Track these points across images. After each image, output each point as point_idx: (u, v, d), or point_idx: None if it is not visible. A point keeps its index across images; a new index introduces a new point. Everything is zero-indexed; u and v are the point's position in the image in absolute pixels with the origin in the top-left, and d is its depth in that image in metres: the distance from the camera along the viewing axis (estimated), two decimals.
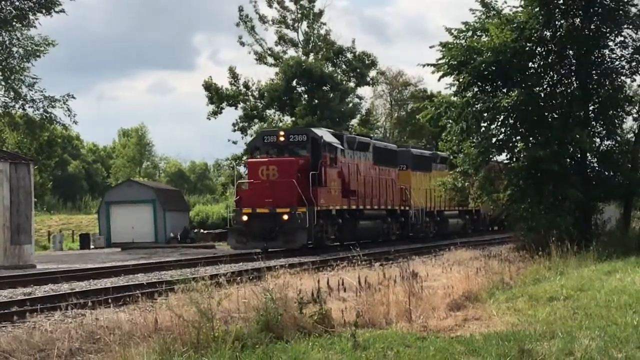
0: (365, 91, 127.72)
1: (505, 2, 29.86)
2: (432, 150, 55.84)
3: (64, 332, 14.64)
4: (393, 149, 48.65)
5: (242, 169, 53.69)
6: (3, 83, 46.60)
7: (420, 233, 49.23)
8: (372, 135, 54.18)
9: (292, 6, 68.68)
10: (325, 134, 39.10)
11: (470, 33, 29.64)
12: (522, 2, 29.50)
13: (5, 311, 17.98)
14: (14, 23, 46.87)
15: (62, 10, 47.49)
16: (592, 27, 30.16)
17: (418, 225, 49.27)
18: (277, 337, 12.67)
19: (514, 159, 30.01)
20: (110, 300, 19.04)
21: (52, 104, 47.75)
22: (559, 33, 29.85)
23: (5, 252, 33.71)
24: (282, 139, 38.31)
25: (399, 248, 37.31)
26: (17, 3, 46.73)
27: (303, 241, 35.77)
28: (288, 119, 64.13)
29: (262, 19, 68.58)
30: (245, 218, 36.24)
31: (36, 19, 47.20)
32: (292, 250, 35.18)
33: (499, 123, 29.85)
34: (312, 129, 40.00)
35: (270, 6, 68.63)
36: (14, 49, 47.02)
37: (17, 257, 34.15)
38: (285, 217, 35.75)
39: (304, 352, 11.45)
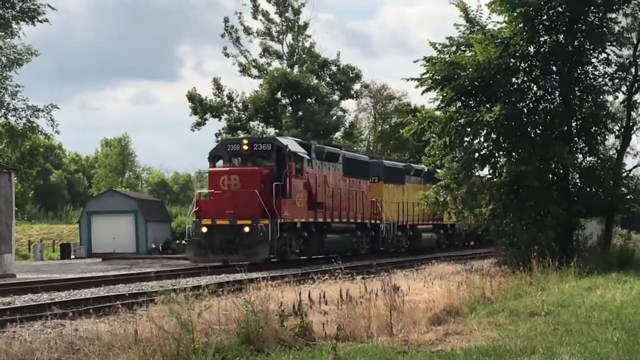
0: (349, 104, 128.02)
1: (490, 18, 29.90)
2: (405, 163, 54.87)
3: (44, 343, 14.57)
4: (364, 160, 47.26)
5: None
6: None
7: (391, 247, 47.84)
8: (356, 148, 54.25)
9: (277, 18, 68.83)
10: (290, 143, 37.66)
11: (454, 48, 29.71)
12: (506, 18, 29.58)
13: None
14: None
15: (46, 20, 47.45)
16: (575, 43, 30.30)
17: (389, 240, 47.81)
18: (257, 350, 12.65)
19: (496, 174, 30.05)
20: (90, 311, 18.97)
21: (35, 113, 47.68)
22: (542, 49, 29.97)
23: None
24: (245, 147, 36.75)
25: (365, 263, 36.26)
26: (0, 12, 46.62)
27: (265, 255, 34.30)
28: (272, 131, 64.12)
29: (247, 30, 68.66)
30: (204, 230, 34.69)
31: (19, 28, 47.14)
32: (255, 265, 33.17)
33: (482, 138, 29.89)
34: (278, 138, 38.92)
35: (255, 18, 68.76)
36: None
37: None
38: (247, 229, 34.28)
39: None
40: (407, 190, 50.88)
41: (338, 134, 70.15)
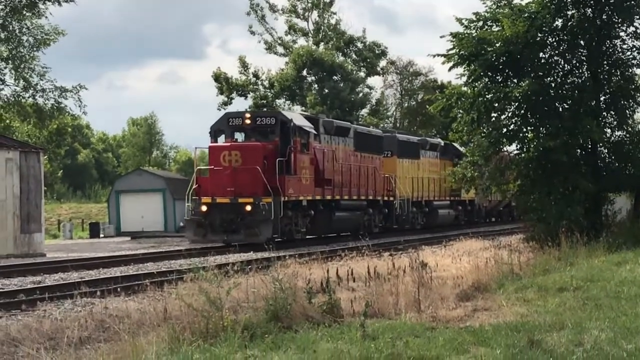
0: (375, 81, 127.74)
1: None
2: (421, 137, 53.22)
3: (74, 321, 14.69)
4: (377, 134, 45.12)
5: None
6: (13, 72, 46.69)
7: (405, 225, 45.92)
8: (382, 124, 53.79)
9: None
10: (295, 117, 36.00)
11: (481, 23, 29.53)
12: None
13: (15, 299, 18.04)
14: (24, 12, 46.89)
15: (72, 0, 47.54)
16: (603, 17, 30.03)
17: (404, 217, 45.82)
18: (285, 327, 12.68)
19: (524, 150, 29.92)
20: (119, 289, 19.09)
21: (64, 94, 47.86)
22: (570, 23, 29.73)
23: (16, 240, 33.80)
24: (248, 121, 34.69)
25: (391, 240, 36.20)
26: None
27: (268, 235, 32.15)
28: (298, 109, 64.12)
29: (273, 8, 68.64)
30: (204, 208, 32.88)
31: (46, 8, 47.27)
32: (257, 245, 30.71)
33: (510, 113, 29.79)
34: (282, 112, 36.97)
35: None
36: (24, 38, 47.06)
37: (27, 245, 34.23)
38: (248, 207, 32.45)
39: (312, 342, 11.44)
40: (422, 165, 49.48)
41: (364, 111, 70.09)
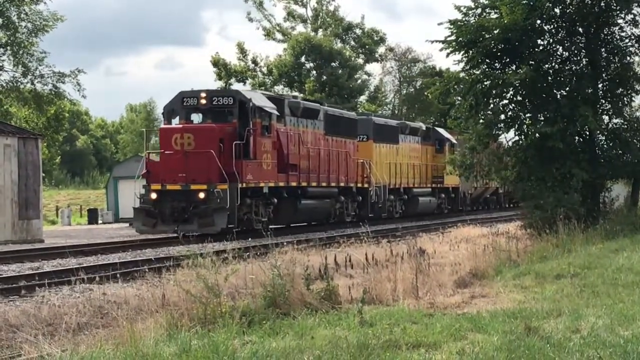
0: (374, 68, 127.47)
1: None
2: (400, 120, 50.85)
3: (72, 307, 14.74)
4: (350, 117, 42.13)
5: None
6: (12, 58, 46.69)
7: (382, 213, 43.11)
8: (380, 111, 53.40)
9: None
10: (256, 97, 32.99)
11: (479, 10, 29.51)
12: None
13: (14, 285, 18.07)
14: None
15: None
16: (602, 4, 29.98)
17: (380, 205, 42.94)
18: (284, 313, 12.72)
19: (522, 136, 29.94)
20: (118, 276, 19.13)
21: (62, 79, 47.87)
22: (568, 10, 29.73)
23: (14, 226, 33.82)
24: (204, 101, 31.82)
25: (390, 227, 35.08)
26: None
27: (222, 224, 29.72)
28: (298, 95, 64.17)
29: None
30: (154, 196, 30.32)
31: None
32: (212, 235, 28.39)
33: (507, 100, 29.82)
34: (241, 91, 33.68)
35: None
36: (22, 24, 47.04)
37: (26, 231, 34.25)
38: (202, 195, 29.97)
39: (310, 328, 11.49)
40: (401, 150, 47.08)
41: (362, 98, 70.15)
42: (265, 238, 21.99)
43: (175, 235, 29.17)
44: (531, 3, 28.56)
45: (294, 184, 34.87)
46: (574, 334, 10.61)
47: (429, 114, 77.00)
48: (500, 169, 30.77)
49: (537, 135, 28.72)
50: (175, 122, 32.24)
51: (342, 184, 39.23)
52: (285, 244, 23.31)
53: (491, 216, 48.81)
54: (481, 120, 30.03)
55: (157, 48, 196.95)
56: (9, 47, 46.75)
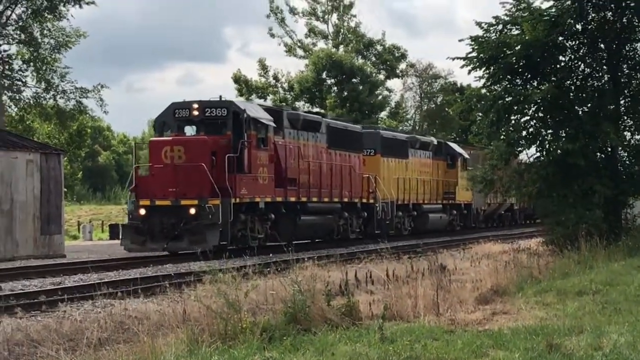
0: (394, 84, 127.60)
1: None
2: (410, 134, 49.73)
3: (93, 322, 14.76)
4: (355, 130, 40.40)
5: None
6: (35, 74, 47.00)
7: (389, 230, 41.08)
8: (400, 127, 53.22)
9: None
10: (251, 108, 31.59)
11: (500, 27, 29.48)
12: None
13: (35, 300, 18.12)
14: (45, 14, 47.19)
15: (93, 2, 47.82)
16: (624, 20, 29.96)
17: (387, 221, 41.17)
18: (304, 329, 12.69)
19: (543, 153, 29.87)
20: (139, 291, 19.15)
21: (84, 94, 48.16)
22: (590, 26, 29.68)
23: (36, 241, 33.97)
24: (196, 112, 30.29)
25: (410, 243, 34.68)
26: None
27: (214, 242, 28.21)
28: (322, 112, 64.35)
29: (293, 10, 68.94)
30: (142, 212, 28.92)
31: (67, 10, 47.57)
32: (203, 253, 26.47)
33: (529, 116, 29.77)
34: (235, 101, 31.95)
35: None
36: (45, 40, 47.37)
37: (47, 246, 34.39)
38: (192, 211, 28.48)
39: (331, 344, 11.46)
40: (411, 165, 45.55)
41: (383, 114, 70.20)
42: (285, 254, 21.74)
43: (191, 251, 28.34)
44: (553, 19, 28.53)
45: (292, 199, 33.32)
46: (596, 352, 10.55)
47: (450, 130, 76.92)
48: (521, 186, 30.69)
49: (558, 151, 28.64)
50: (168, 135, 30.82)
51: (345, 200, 37.69)
52: (306, 259, 23.28)
53: (512, 232, 48.30)
54: (502, 137, 29.98)
55: (179, 64, 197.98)
56: (32, 63, 47.07)
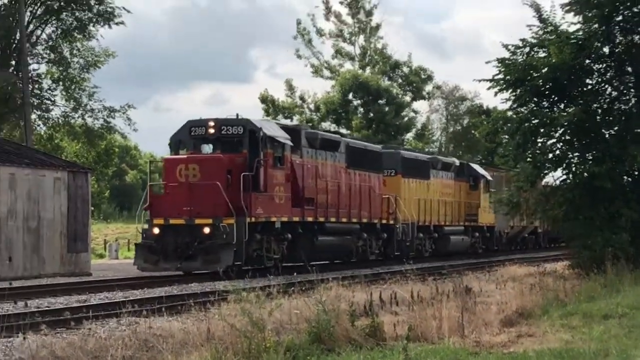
0: (421, 105, 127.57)
1: (564, 18, 29.56)
2: (432, 155, 49.04)
3: (118, 340, 14.77)
4: (375, 149, 39.96)
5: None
6: (63, 93, 47.37)
7: (410, 252, 40.12)
8: (427, 149, 52.91)
9: (349, 20, 69.12)
10: (267, 126, 31.10)
11: (527, 49, 29.47)
12: (581, 19, 29.27)
13: (61, 318, 18.19)
14: (74, 34, 47.61)
15: (122, 23, 48.21)
16: None
17: (407, 243, 40.63)
18: (328, 349, 12.69)
19: (569, 176, 29.76)
20: (163, 309, 19.18)
21: (112, 114, 48.48)
22: (617, 50, 29.62)
23: (62, 259, 34.14)
24: (212, 130, 29.94)
25: (434, 265, 34.30)
26: (77, 14, 47.47)
27: (228, 262, 27.60)
28: (344, 132, 64.42)
29: (319, 32, 69.10)
30: (156, 231, 28.49)
31: (96, 30, 47.99)
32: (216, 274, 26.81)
33: (555, 139, 29.69)
34: (252, 120, 31.03)
35: (327, 19, 69.16)
36: (74, 60, 47.78)
37: (74, 264, 34.56)
38: (207, 230, 28.07)
39: None
40: (432, 186, 44.80)
41: (409, 135, 70.22)
42: (310, 274, 21.63)
43: (205, 271, 28.30)
44: (580, 42, 28.50)
45: (310, 219, 32.61)
46: None
47: (476, 152, 76.77)
48: (547, 209, 30.57)
49: (585, 174, 28.55)
50: (183, 153, 30.42)
51: (364, 220, 36.98)
52: (330, 279, 23.26)
53: (537, 256, 47.88)
54: (528, 159, 29.91)
55: (206, 85, 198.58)
56: (61, 82, 47.45)
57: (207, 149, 30.80)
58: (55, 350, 14.18)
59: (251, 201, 28.82)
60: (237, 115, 30.67)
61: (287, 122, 44.32)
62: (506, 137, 30.61)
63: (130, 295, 22.96)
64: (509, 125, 29.70)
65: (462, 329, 14.62)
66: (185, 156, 29.73)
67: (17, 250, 31.99)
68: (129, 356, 13.86)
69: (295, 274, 27.83)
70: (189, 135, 30.41)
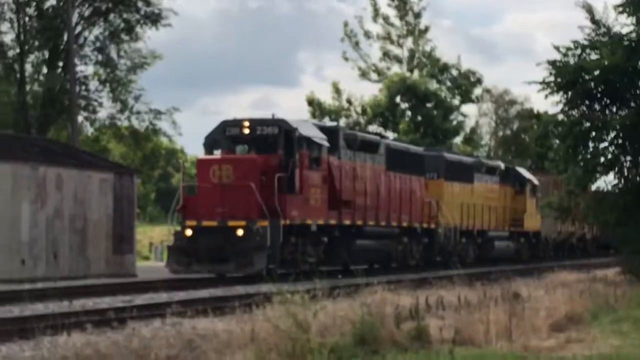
0: (469, 109, 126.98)
1: (617, 20, 29.15)
2: (475, 158, 48.28)
3: (162, 339, 14.70)
4: (417, 152, 39.18)
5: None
6: (110, 94, 47.59)
7: (452, 257, 38.91)
8: (476, 153, 52.32)
9: (397, 22, 68.78)
10: (303, 126, 30.41)
11: (579, 51, 29.10)
12: (634, 20, 28.88)
13: (106, 317, 18.17)
14: (121, 36, 47.84)
15: (169, 25, 48.35)
16: None
17: (449, 248, 39.76)
18: (372, 351, 12.54)
19: (621, 180, 29.35)
20: (208, 310, 19.09)
21: (158, 116, 48.60)
22: None
23: (108, 260, 34.19)
24: (246, 131, 29.37)
25: (481, 270, 33.60)
26: (125, 16, 47.70)
27: (261, 265, 27.24)
28: (391, 135, 64.15)
29: (367, 34, 68.83)
30: (189, 233, 28.22)
31: (144, 32, 48.16)
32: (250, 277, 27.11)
33: (607, 142, 29.29)
34: (287, 120, 30.28)
35: (375, 22, 68.87)
36: (121, 62, 48.00)
37: (119, 266, 34.60)
38: (240, 232, 27.47)
39: None
40: (476, 190, 43.75)
41: (458, 139, 69.73)
42: (356, 278, 21.32)
43: (238, 274, 27.86)
44: (633, 44, 28.11)
45: (347, 222, 31.80)
46: None
47: (526, 156, 76.03)
48: (599, 213, 30.17)
49: (638, 178, 28.16)
50: (217, 154, 29.81)
51: (405, 224, 36.02)
52: (375, 283, 23.05)
53: (586, 262, 47.02)
54: (580, 163, 29.52)
55: (254, 87, 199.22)
56: (107, 84, 47.67)
57: (242, 149, 30.45)
58: (100, 348, 14.13)
59: (286, 203, 28.22)
60: (273, 115, 30.26)
61: (333, 123, 43.87)
62: (557, 141, 30.25)
63: (175, 296, 22.91)
64: (559, 128, 29.40)
65: (509, 333, 14.37)
66: (218, 157, 29.34)
67: (63, 250, 32.07)
68: (173, 355, 13.79)
69: (340, 276, 27.57)
70: (223, 135, 29.86)
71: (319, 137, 30.25)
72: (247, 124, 29.49)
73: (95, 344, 14.49)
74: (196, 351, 14.06)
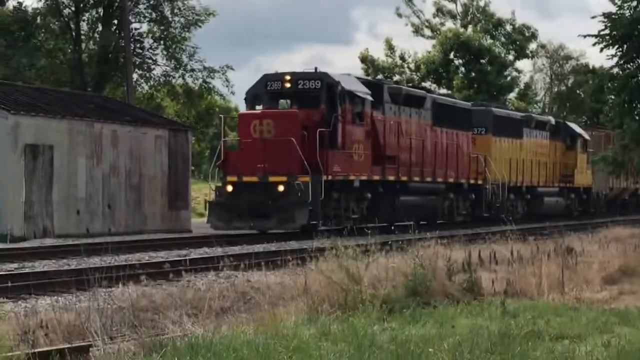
0: (524, 64, 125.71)
1: None
2: (525, 113, 47.30)
3: (216, 292, 14.91)
4: (464, 106, 38.30)
5: None
6: (164, 52, 47.73)
7: (500, 213, 36.66)
8: (530, 109, 51.63)
9: None
10: (346, 80, 29.64)
11: (635, 3, 28.65)
12: None
13: (161, 270, 18.43)
14: None
15: None
16: None
17: (497, 204, 39.07)
18: (424, 303, 12.65)
19: None
20: (261, 264, 19.27)
21: (211, 74, 48.66)
22: None
23: (163, 216, 34.57)
24: (288, 85, 28.87)
25: (527, 226, 32.39)
26: None
27: (303, 221, 27.07)
28: (445, 92, 63.85)
29: None
30: (229, 189, 27.87)
31: None
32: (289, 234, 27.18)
33: None
34: (330, 73, 29.73)
35: None
36: (175, 19, 48.04)
37: (174, 221, 34.97)
38: (281, 188, 27.18)
39: (451, 317, 11.38)
40: (525, 145, 43.17)
41: (512, 95, 69.13)
42: (408, 233, 21.29)
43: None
44: None
45: (391, 178, 31.26)
46: None
47: (581, 112, 75.22)
48: None
49: None
50: (259, 108, 29.43)
51: (451, 180, 35.55)
52: (428, 236, 23.07)
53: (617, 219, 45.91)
54: (636, 117, 29.18)
55: (307, 46, 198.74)
56: (162, 42, 47.80)
57: (284, 104, 29.90)
58: (156, 300, 14.37)
59: (328, 158, 27.83)
60: (316, 69, 30.00)
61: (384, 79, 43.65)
62: (612, 95, 29.88)
63: (229, 250, 23.16)
64: (615, 82, 29.00)
65: (562, 286, 14.44)
66: (259, 111, 28.96)
67: (119, 206, 32.48)
68: (227, 307, 13.99)
69: (395, 230, 27.33)
70: (265, 90, 29.41)
71: (363, 92, 29.71)
72: (288, 77, 29.08)
73: (150, 295, 14.76)
74: (249, 302, 14.25)
